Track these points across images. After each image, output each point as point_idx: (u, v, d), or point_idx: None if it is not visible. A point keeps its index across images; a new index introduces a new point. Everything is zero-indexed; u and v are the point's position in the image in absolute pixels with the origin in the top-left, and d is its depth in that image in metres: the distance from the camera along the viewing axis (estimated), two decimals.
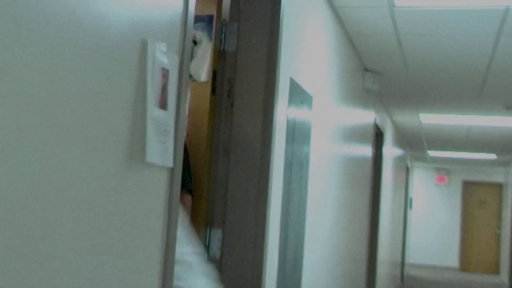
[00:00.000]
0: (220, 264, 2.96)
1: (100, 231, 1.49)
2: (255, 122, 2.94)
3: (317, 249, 4.30)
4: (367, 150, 6.73)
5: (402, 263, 13.31)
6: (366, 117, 6.64)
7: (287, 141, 3.27)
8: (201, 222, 2.86)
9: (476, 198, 17.64)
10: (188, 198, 2.80)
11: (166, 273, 1.81)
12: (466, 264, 17.41)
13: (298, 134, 3.54)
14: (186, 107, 2.88)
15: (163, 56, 1.75)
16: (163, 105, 1.76)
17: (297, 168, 3.52)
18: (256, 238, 2.96)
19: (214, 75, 2.93)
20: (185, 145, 2.63)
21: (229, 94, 2.96)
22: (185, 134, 2.73)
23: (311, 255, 4.04)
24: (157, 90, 1.71)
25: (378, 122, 7.32)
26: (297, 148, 3.52)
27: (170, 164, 1.83)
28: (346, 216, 5.42)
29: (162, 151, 1.75)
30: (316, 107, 3.97)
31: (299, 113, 3.54)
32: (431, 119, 9.09)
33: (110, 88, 1.51)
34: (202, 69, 2.89)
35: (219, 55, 2.95)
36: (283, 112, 3.21)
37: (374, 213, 7.41)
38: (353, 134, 5.74)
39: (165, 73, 1.77)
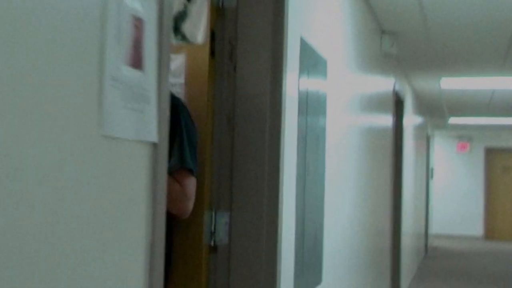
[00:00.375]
0: (229, 251, 2.60)
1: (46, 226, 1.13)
2: (262, 87, 2.55)
3: (338, 225, 3.95)
4: (386, 120, 6.33)
5: (426, 234, 12.95)
6: (385, 84, 6.23)
7: (299, 110, 2.89)
8: (204, 205, 2.50)
9: (500, 164, 17.17)
10: (190, 180, 2.32)
11: (152, 275, 1.45)
12: (490, 232, 17.01)
13: (312, 103, 3.16)
14: (182, 71, 2.54)
15: (135, 1, 1.38)
16: (136, 63, 1.39)
17: (312, 140, 3.15)
18: (268, 220, 2.60)
19: (213, 35, 2.55)
20: (190, 114, 2.29)
21: (230, 56, 2.58)
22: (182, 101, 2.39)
23: (332, 232, 3.70)
24: (125, 44, 1.34)
25: (397, 89, 6.90)
26: (312, 118, 3.15)
27: (152, 137, 1.47)
28: (368, 189, 5.06)
29: (137, 122, 1.39)
30: (331, 73, 3.57)
31: (312, 79, 3.15)
32: (453, 84, 8.64)
33: (57, 45, 1.14)
34: (198, 29, 2.50)
35: (217, 13, 2.57)
36: (294, 76, 2.82)
37: (396, 185, 7.03)
38: (372, 103, 5.35)
39: (138, 24, 1.39)
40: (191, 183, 2.32)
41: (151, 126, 1.46)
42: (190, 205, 2.32)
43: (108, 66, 1.28)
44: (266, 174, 2.55)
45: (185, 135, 2.28)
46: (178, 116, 2.26)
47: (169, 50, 1.54)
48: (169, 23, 1.53)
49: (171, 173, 2.11)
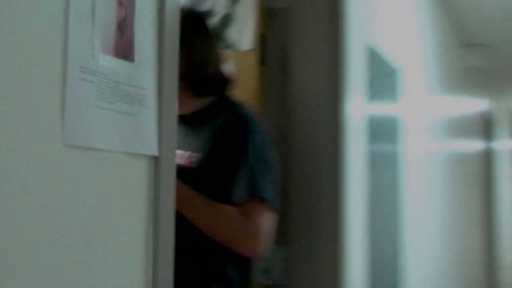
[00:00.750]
0: None
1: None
2: (320, 105, 2.18)
3: (420, 258, 3.47)
4: (476, 144, 5.77)
5: None
6: (473, 103, 5.69)
7: (366, 135, 2.49)
8: None
9: None
10: (264, 213, 1.74)
11: None
12: None
13: (383, 126, 2.75)
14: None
15: None
16: (123, 52, 1.06)
17: (384, 168, 2.74)
18: (331, 257, 2.20)
19: (263, 40, 2.20)
20: (268, 135, 1.85)
21: (283, 64, 2.22)
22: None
23: (414, 266, 3.23)
24: (103, 25, 1.01)
25: (489, 108, 6.32)
26: (383, 144, 2.74)
27: (150, 150, 1.12)
28: (455, 219, 4.54)
29: (126, 129, 1.05)
30: (406, 88, 3.15)
31: (382, 95, 2.75)
32: None
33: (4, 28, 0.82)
34: (244, 33, 2.17)
35: (268, 14, 2.23)
36: (359, 91, 2.43)
37: (489, 213, 6.42)
38: (458, 125, 4.84)
39: (124, 0, 1.06)
40: (264, 216, 1.73)
41: (149, 135, 1.12)
42: (262, 244, 1.73)
43: (74, 53, 0.95)
44: (325, 204, 2.16)
45: (256, 158, 1.77)
46: (247, 135, 1.76)
47: (178, 36, 1.20)
48: (176, 3, 1.20)
49: (237, 204, 1.72)
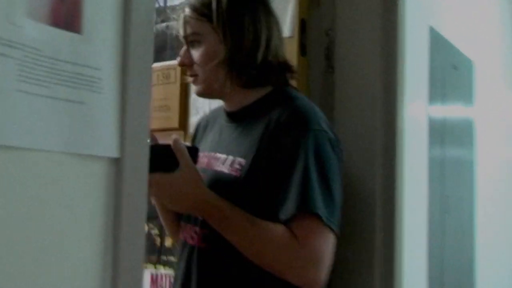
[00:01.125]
0: None
1: None
2: (372, 97, 1.87)
3: (496, 272, 3.07)
4: None
5: None
6: None
7: (431, 138, 2.15)
8: None
9: None
10: (320, 234, 1.36)
11: None
12: None
13: (453, 128, 2.40)
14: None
15: None
16: (66, 20, 0.81)
17: (454, 175, 2.39)
18: (384, 271, 1.88)
19: (303, 26, 1.91)
20: (332, 143, 1.43)
21: (327, 53, 1.92)
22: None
23: (490, 283, 2.85)
24: None
25: None
26: (452, 149, 2.39)
27: (107, 151, 0.86)
28: None
29: (70, 122, 0.80)
30: (481, 83, 2.77)
31: (450, 91, 2.40)
32: None
33: None
34: (283, 17, 1.88)
35: None
36: (421, 83, 2.10)
37: None
38: None
39: None
40: (321, 238, 1.35)
41: (105, 130, 0.86)
42: (321, 272, 1.35)
43: None
44: (379, 219, 1.83)
45: (312, 166, 1.37)
46: (303, 136, 1.39)
47: (153, 1, 0.94)
48: None
49: (288, 223, 1.35)
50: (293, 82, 1.61)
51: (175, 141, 1.38)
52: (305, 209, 1.33)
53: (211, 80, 1.49)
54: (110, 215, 0.86)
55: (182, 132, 2.20)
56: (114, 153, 0.87)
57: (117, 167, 0.87)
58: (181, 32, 1.52)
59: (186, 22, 1.50)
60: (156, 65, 2.27)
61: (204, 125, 1.70)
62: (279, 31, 1.54)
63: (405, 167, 1.87)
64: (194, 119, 2.13)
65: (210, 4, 1.48)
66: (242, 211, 1.38)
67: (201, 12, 1.48)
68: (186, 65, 1.53)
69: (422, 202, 2.10)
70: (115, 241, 0.86)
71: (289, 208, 1.34)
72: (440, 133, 2.25)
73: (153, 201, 1.55)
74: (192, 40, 1.50)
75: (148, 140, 1.50)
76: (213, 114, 1.69)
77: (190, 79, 1.55)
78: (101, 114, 0.85)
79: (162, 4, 2.31)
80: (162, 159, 1.36)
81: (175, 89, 2.22)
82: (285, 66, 1.54)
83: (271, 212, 1.38)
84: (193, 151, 1.44)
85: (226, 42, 1.46)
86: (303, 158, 1.36)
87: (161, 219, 1.70)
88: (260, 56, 1.47)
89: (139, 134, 0.90)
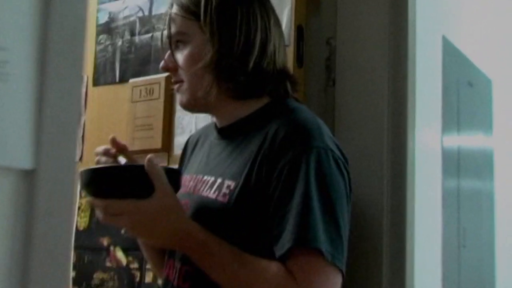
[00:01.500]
0: None
1: None
2: (378, 120, 1.63)
3: None
4: None
5: None
6: None
7: (445, 168, 1.92)
8: None
9: None
10: (328, 276, 1.13)
11: None
12: None
13: (470, 154, 2.17)
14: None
15: None
16: None
17: (471, 207, 2.15)
18: None
19: (300, 33, 1.69)
20: (339, 166, 1.19)
21: (328, 65, 1.70)
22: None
23: None
24: None
25: None
26: (469, 180, 2.16)
27: (15, 160, 0.63)
28: None
29: None
30: (501, 104, 2.54)
31: (466, 115, 2.17)
32: None
33: None
34: None
35: (309, 1, 1.72)
36: (434, 102, 1.87)
37: None
38: None
39: None
40: (323, 277, 1.12)
41: (12, 134, 0.63)
42: None
43: None
44: (386, 256, 1.59)
45: (312, 192, 1.14)
46: (303, 155, 1.15)
47: None
48: None
49: (283, 259, 1.12)
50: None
51: (149, 161, 1.14)
52: (305, 243, 1.10)
53: (195, 87, 1.28)
54: (18, 241, 0.63)
55: (165, 154, 1.97)
56: (26, 163, 0.64)
57: (30, 181, 0.65)
58: (166, 32, 1.33)
59: (172, 20, 1.31)
60: (139, 79, 2.06)
61: (193, 143, 1.47)
62: (279, 34, 1.33)
63: (416, 198, 1.63)
64: (179, 139, 1.91)
65: (198, 1, 1.28)
66: (230, 246, 1.15)
67: (189, 9, 1.28)
68: (170, 70, 1.32)
69: (436, 236, 1.86)
70: (24, 281, 0.63)
71: (285, 241, 1.10)
72: (456, 162, 2.03)
73: (127, 232, 1.31)
74: (177, 40, 1.30)
75: (120, 158, 1.26)
76: (204, 131, 1.46)
77: (174, 86, 1.33)
78: (7, 110, 0.62)
79: (146, 13, 2.10)
80: (134, 182, 1.13)
81: (159, 106, 1.99)
82: (284, 75, 1.31)
83: (265, 246, 1.14)
84: (174, 175, 1.21)
85: (213, 43, 1.25)
86: (303, 181, 1.13)
87: (142, 251, 1.47)
88: (252, 61, 1.25)
89: (61, 139, 0.67)
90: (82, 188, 1.17)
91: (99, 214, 1.16)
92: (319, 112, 1.66)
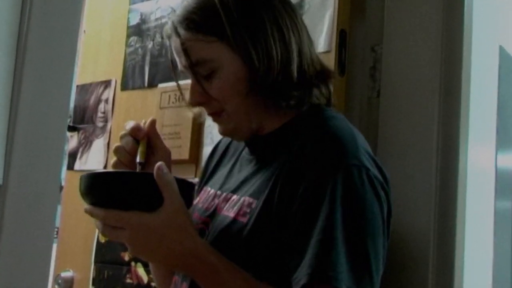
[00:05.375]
0: None
1: None
2: (426, 136, 1.47)
3: None
4: None
5: None
6: None
7: (499, 190, 1.75)
8: None
9: None
10: None
11: None
12: None
13: None
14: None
15: None
16: None
17: None
18: None
19: (343, 39, 1.54)
20: (376, 191, 1.02)
21: (373, 74, 1.54)
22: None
23: None
24: None
25: None
26: None
27: None
28: None
29: None
30: None
31: None
32: None
33: None
34: (318, 29, 1.52)
35: (354, 4, 1.57)
36: (488, 126, 1.70)
37: None
38: None
39: None
40: None
41: None
42: None
43: None
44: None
45: (339, 216, 0.97)
46: (333, 173, 0.99)
47: None
48: None
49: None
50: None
51: (159, 168, 0.98)
52: (323, 280, 0.93)
53: (243, 117, 1.11)
54: None
55: (193, 165, 1.84)
56: None
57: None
58: (181, 62, 1.11)
59: (188, 48, 1.08)
60: (168, 84, 1.94)
61: (222, 150, 1.31)
62: (306, 28, 1.15)
63: (466, 223, 1.46)
64: (208, 150, 1.77)
65: (214, 15, 1.07)
66: (243, 273, 1.00)
67: (208, 30, 1.07)
68: (202, 104, 1.13)
69: (487, 262, 1.69)
70: None
71: (302, 275, 0.94)
72: (510, 183, 1.85)
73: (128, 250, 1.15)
74: (200, 70, 1.09)
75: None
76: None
77: (211, 116, 1.15)
78: None
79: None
80: (140, 191, 0.98)
81: (188, 114, 1.86)
82: (326, 74, 1.14)
83: (284, 273, 0.98)
84: (187, 187, 1.06)
85: (252, 63, 1.06)
86: (328, 205, 0.97)
87: (151, 270, 1.33)
88: (295, 69, 1.08)
89: (31, 155, 0.54)
90: (81, 195, 1.01)
91: (98, 225, 1.00)
92: (361, 126, 1.51)
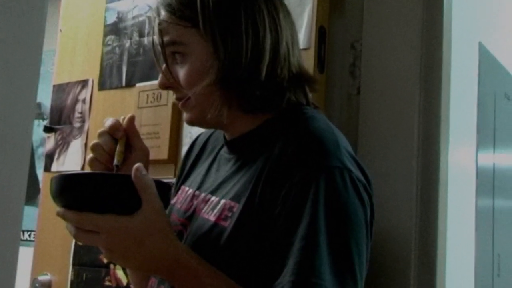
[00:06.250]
0: None
1: None
2: (406, 134, 1.45)
3: None
4: None
5: None
6: None
7: (479, 188, 1.74)
8: None
9: None
10: None
11: None
12: None
13: (507, 172, 1.98)
14: None
15: None
16: None
17: (508, 230, 1.96)
18: None
19: (322, 35, 1.52)
20: (366, 194, 1.03)
21: (353, 71, 1.52)
22: None
23: None
24: None
25: None
26: (505, 200, 1.98)
27: None
28: None
29: None
30: None
31: (502, 126, 1.98)
32: None
33: None
34: (297, 26, 1.49)
35: (332, 0, 1.55)
36: (469, 114, 1.69)
37: None
38: None
39: None
40: None
41: None
42: None
43: None
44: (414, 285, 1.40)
45: (322, 219, 0.94)
46: (314, 175, 0.97)
47: None
48: None
49: None
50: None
51: (137, 170, 0.94)
52: (306, 285, 0.90)
53: (204, 106, 1.09)
54: None
55: (172, 165, 1.81)
56: None
57: None
58: (157, 41, 1.11)
59: (163, 29, 1.09)
60: (146, 84, 1.91)
61: (201, 145, 1.28)
62: (290, 27, 1.12)
63: (447, 222, 1.45)
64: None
65: (192, 2, 1.07)
66: (225, 278, 0.97)
67: (182, 15, 1.08)
68: (170, 87, 1.12)
69: (468, 262, 1.67)
70: None
71: (284, 282, 0.91)
72: (491, 181, 1.84)
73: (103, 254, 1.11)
74: (173, 52, 1.09)
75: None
76: (214, 136, 1.28)
77: (178, 102, 1.15)
78: None
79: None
80: (116, 193, 0.94)
81: (167, 113, 1.83)
82: (302, 78, 1.12)
83: (262, 279, 0.95)
84: (164, 188, 1.02)
85: (219, 54, 1.05)
86: (310, 209, 0.94)
87: (127, 272, 1.30)
88: (264, 68, 1.06)
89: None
90: (52, 197, 0.97)
91: (70, 229, 0.96)
92: (340, 124, 1.49)
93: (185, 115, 1.14)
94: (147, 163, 1.15)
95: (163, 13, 1.09)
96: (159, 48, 1.11)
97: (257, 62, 1.05)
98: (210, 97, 1.07)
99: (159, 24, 1.09)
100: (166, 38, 1.08)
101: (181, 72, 1.09)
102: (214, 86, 1.06)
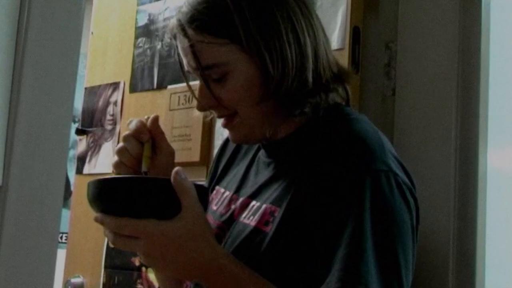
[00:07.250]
0: None
1: None
2: (446, 126, 1.42)
3: None
4: None
5: None
6: None
7: None
8: None
9: None
10: None
11: None
12: None
13: None
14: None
15: None
16: None
17: None
18: None
19: (357, 36, 1.49)
20: (408, 200, 0.99)
21: (387, 72, 1.49)
22: None
23: None
24: None
25: None
26: None
27: None
28: None
29: None
30: None
31: None
32: None
33: None
34: (331, 26, 1.47)
35: (367, 0, 1.52)
36: (510, 116, 1.64)
37: None
38: None
39: None
40: None
41: None
42: None
43: None
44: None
45: (368, 226, 0.92)
46: (359, 180, 0.94)
47: None
48: None
49: None
50: None
51: (177, 173, 0.92)
52: (353, 284, 0.87)
53: (254, 122, 1.04)
54: None
55: (204, 168, 1.80)
56: None
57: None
58: (190, 64, 1.04)
59: (196, 52, 1.01)
60: (178, 86, 1.90)
61: (235, 144, 1.23)
62: (321, 24, 1.09)
63: (486, 224, 1.41)
64: None
65: (226, 15, 1.00)
66: (267, 283, 0.94)
67: (216, 30, 1.00)
68: (213, 108, 1.06)
69: (509, 265, 1.63)
70: None
71: (332, 282, 0.89)
72: None
73: (141, 260, 1.10)
74: (211, 74, 1.03)
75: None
76: None
77: (222, 119, 1.08)
78: None
79: None
80: (156, 198, 0.92)
81: (198, 115, 1.82)
82: (343, 75, 1.08)
83: (309, 284, 0.93)
84: (203, 192, 1.00)
85: (266, 66, 1.00)
86: (355, 214, 0.91)
87: (158, 282, 1.28)
88: (310, 74, 1.02)
89: (31, 156, 0.51)
90: (89, 202, 0.95)
91: (108, 234, 0.94)
92: (375, 126, 1.46)
93: (230, 134, 1.08)
94: (172, 163, 1.12)
95: (191, 32, 1.01)
96: (190, 69, 1.04)
97: (303, 69, 1.02)
98: (259, 112, 1.03)
99: (191, 46, 1.00)
100: (204, 62, 1.01)
101: (223, 90, 1.02)
102: (263, 101, 1.02)
